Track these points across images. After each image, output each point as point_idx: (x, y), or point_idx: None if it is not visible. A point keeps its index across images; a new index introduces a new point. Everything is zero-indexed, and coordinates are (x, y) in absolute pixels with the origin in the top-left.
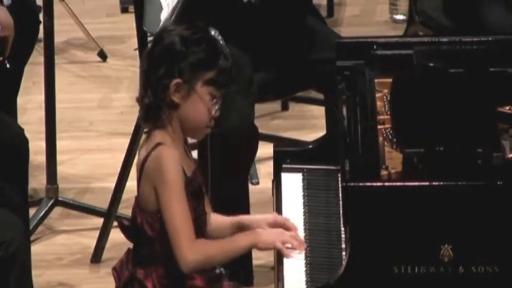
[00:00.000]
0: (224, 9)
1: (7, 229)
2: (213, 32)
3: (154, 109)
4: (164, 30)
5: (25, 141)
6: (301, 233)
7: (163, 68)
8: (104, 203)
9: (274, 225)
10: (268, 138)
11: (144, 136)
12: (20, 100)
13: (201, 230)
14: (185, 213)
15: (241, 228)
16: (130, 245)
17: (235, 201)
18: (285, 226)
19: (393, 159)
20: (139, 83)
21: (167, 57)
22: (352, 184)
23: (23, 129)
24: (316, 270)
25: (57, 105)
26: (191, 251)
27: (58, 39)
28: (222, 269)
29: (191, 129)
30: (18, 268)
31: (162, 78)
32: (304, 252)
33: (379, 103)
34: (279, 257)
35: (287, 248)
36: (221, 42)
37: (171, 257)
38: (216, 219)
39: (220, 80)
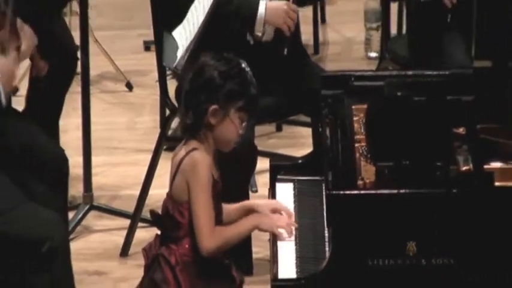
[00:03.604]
0: (229, 47)
1: (52, 227)
2: (243, 65)
3: (194, 127)
4: (205, 64)
5: (65, 160)
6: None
7: (203, 95)
8: (130, 207)
9: (275, 210)
10: (265, 154)
11: (182, 142)
12: (62, 123)
13: (219, 222)
14: (209, 208)
15: (247, 211)
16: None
17: None
18: (284, 211)
19: (368, 171)
20: (181, 103)
21: (208, 87)
22: (334, 192)
23: (63, 150)
24: (304, 263)
25: (92, 127)
26: (212, 238)
27: (93, 72)
28: (227, 261)
29: (222, 144)
30: (61, 258)
31: (202, 103)
32: (293, 237)
33: (356, 125)
34: (274, 238)
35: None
36: (250, 73)
37: (193, 239)
38: (224, 207)
39: (249, 107)
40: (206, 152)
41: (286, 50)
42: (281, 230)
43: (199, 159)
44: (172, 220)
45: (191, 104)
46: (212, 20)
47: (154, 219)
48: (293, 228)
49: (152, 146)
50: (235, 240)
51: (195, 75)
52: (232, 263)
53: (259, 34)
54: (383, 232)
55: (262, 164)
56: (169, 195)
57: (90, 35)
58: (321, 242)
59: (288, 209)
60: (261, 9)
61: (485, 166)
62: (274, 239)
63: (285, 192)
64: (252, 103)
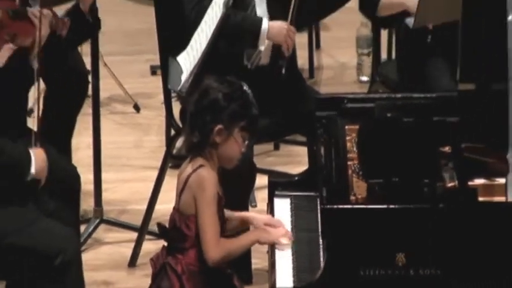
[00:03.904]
0: (229, 71)
1: (65, 241)
2: (245, 87)
3: (200, 145)
4: (209, 87)
5: (77, 176)
6: (289, 245)
7: (209, 116)
8: (138, 221)
9: (268, 223)
10: (264, 171)
11: (187, 159)
12: (74, 142)
13: (223, 231)
14: (215, 222)
15: (244, 222)
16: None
17: None
18: (276, 224)
19: (360, 188)
20: (186, 123)
21: (213, 108)
22: (328, 206)
23: (75, 167)
24: (301, 272)
25: (102, 145)
26: (217, 250)
27: (103, 95)
28: (229, 270)
29: (225, 161)
30: (73, 269)
31: (208, 124)
32: (290, 246)
33: (348, 144)
34: (272, 250)
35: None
36: (251, 95)
37: (198, 250)
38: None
39: (251, 127)
40: (212, 169)
41: (284, 69)
42: (283, 240)
43: (206, 176)
44: (179, 232)
45: (197, 124)
46: (216, 43)
47: (161, 232)
48: (290, 236)
49: (158, 164)
50: (238, 252)
51: (200, 97)
52: (234, 272)
53: (261, 49)
54: (374, 244)
55: (261, 180)
56: (177, 209)
57: (100, 60)
58: (316, 253)
59: (279, 221)
60: (264, 24)
61: (470, 183)
62: (272, 251)
63: (283, 207)
64: (253, 123)
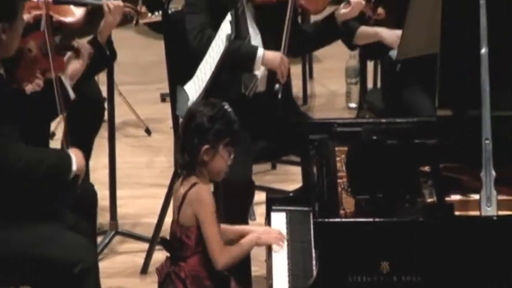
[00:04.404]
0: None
1: (84, 250)
2: (226, 107)
3: (190, 165)
4: (196, 110)
5: (94, 193)
6: (285, 253)
7: (196, 138)
8: (149, 233)
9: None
10: (262, 188)
11: (180, 178)
12: (91, 162)
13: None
14: (217, 231)
15: (242, 235)
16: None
17: None
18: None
19: (348, 203)
20: (177, 148)
21: (198, 131)
22: (320, 220)
23: (93, 185)
24: (296, 279)
25: (117, 166)
26: (223, 255)
27: (117, 120)
28: (226, 273)
29: (215, 176)
30: (91, 277)
31: (195, 145)
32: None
33: (338, 164)
34: (270, 259)
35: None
36: (232, 112)
37: (199, 256)
38: (224, 228)
39: (234, 141)
40: (205, 184)
41: (280, 94)
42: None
43: (203, 192)
44: (180, 242)
45: (186, 146)
46: (219, 73)
47: (164, 244)
48: (284, 239)
49: (167, 182)
50: (242, 255)
51: (187, 121)
52: (235, 279)
53: (257, 74)
54: (361, 253)
55: (260, 196)
56: (176, 222)
57: (115, 89)
58: (310, 262)
59: (279, 231)
60: (260, 51)
61: (447, 198)
62: (270, 260)
63: (279, 220)
64: (236, 137)
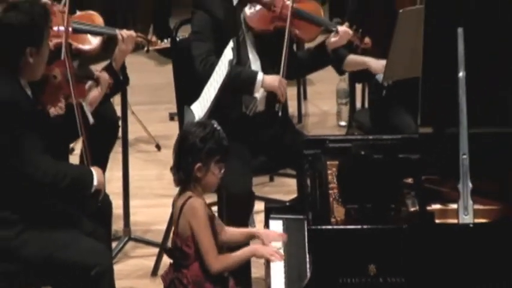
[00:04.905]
0: (233, 118)
1: (100, 255)
2: (215, 125)
3: (185, 182)
4: (189, 132)
5: (110, 203)
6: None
7: (190, 157)
8: (159, 239)
9: (273, 236)
10: (260, 199)
11: (177, 193)
12: (107, 175)
13: (216, 243)
14: (211, 239)
15: (250, 236)
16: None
17: None
18: (278, 235)
19: (339, 212)
20: (173, 164)
21: (191, 151)
22: (313, 227)
23: (108, 196)
24: (291, 281)
25: (130, 178)
26: (217, 263)
27: (130, 137)
28: (226, 274)
29: (207, 190)
30: (107, 278)
31: (189, 164)
32: (281, 260)
33: (330, 177)
34: (268, 262)
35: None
36: (221, 130)
37: (200, 265)
38: (231, 231)
39: (224, 157)
40: (198, 197)
41: (280, 112)
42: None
43: (196, 205)
44: (182, 252)
45: (180, 165)
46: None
47: (167, 253)
48: (281, 252)
49: (175, 193)
50: (237, 264)
51: (180, 142)
52: (235, 280)
53: (257, 96)
54: (350, 257)
55: (259, 206)
56: (176, 233)
57: (128, 109)
58: (304, 265)
59: (281, 233)
60: (260, 75)
61: (428, 207)
62: (268, 262)
63: (276, 227)
64: (226, 153)
